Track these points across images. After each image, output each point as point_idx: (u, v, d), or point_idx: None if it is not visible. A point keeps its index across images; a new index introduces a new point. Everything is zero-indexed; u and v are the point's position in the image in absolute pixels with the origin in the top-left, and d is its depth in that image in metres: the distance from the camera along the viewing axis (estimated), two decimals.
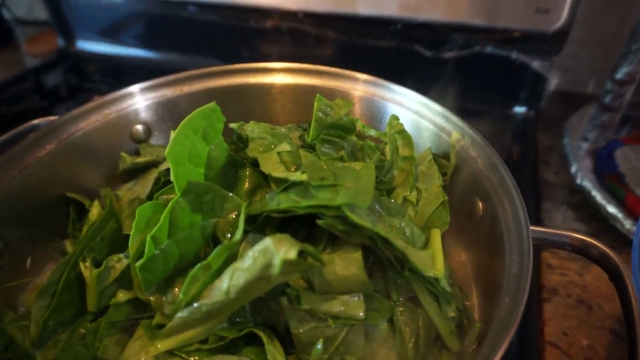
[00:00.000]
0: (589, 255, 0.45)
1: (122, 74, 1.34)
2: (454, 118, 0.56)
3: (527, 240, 0.42)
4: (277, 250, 0.36)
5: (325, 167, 0.43)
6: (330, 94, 0.62)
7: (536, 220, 0.86)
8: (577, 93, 1.22)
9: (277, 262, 0.36)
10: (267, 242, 0.36)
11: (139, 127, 0.66)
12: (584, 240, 0.45)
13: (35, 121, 0.61)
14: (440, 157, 0.57)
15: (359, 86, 0.63)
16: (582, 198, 0.89)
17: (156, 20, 1.31)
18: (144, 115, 0.65)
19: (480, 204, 0.53)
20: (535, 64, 1.05)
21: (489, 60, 1.09)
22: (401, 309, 0.45)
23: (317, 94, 0.53)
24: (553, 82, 1.10)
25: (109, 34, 1.39)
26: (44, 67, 1.34)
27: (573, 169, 0.92)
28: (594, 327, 0.72)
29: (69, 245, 0.57)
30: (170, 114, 0.66)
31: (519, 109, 1.13)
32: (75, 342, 0.46)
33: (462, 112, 1.10)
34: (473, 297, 0.52)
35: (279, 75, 0.66)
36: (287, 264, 0.36)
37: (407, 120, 0.60)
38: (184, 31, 1.34)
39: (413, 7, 0.99)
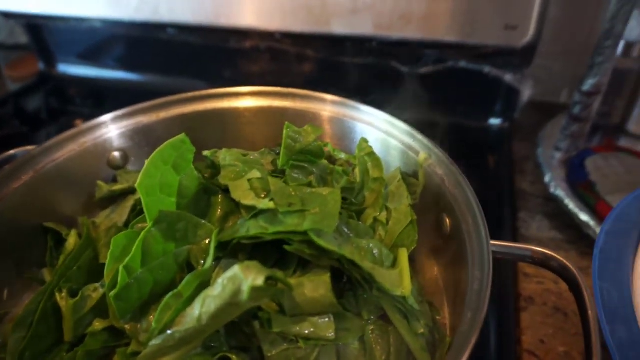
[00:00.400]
0: (550, 267, 0.47)
1: (104, 96, 1.35)
2: (420, 137, 0.58)
3: (487, 256, 0.43)
4: (245, 277, 0.37)
5: (293, 193, 0.44)
6: (300, 116, 0.64)
7: (512, 230, 0.89)
8: (550, 103, 1.25)
9: (245, 288, 0.37)
10: (236, 269, 0.38)
11: (116, 153, 0.67)
12: (545, 252, 0.47)
13: (12, 151, 0.61)
14: (410, 176, 0.59)
15: (328, 107, 0.65)
16: (557, 207, 0.92)
17: (136, 42, 1.33)
18: (121, 142, 0.66)
19: (447, 220, 0.55)
20: (508, 77, 1.08)
21: (463, 74, 1.12)
22: (372, 327, 0.46)
23: (286, 122, 0.55)
24: (526, 94, 1.13)
25: (90, 57, 1.40)
26: (25, 91, 1.34)
27: (547, 178, 0.95)
28: (570, 334, 0.73)
29: (47, 275, 0.57)
30: (147, 139, 0.67)
31: (494, 121, 1.16)
32: None
33: (439, 125, 1.14)
34: (445, 312, 0.54)
35: (250, 98, 0.68)
36: (255, 290, 0.37)
37: (377, 140, 0.62)
38: (165, 53, 1.35)
39: (386, 25, 1.02)
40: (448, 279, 0.54)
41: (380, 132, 0.61)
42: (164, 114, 0.68)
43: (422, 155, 0.58)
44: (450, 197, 0.53)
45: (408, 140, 0.59)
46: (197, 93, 0.68)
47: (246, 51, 1.28)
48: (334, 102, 0.64)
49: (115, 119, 0.66)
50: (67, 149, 0.62)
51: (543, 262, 0.48)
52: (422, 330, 0.47)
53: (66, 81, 1.38)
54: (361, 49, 1.15)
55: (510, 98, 1.12)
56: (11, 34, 1.56)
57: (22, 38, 1.51)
